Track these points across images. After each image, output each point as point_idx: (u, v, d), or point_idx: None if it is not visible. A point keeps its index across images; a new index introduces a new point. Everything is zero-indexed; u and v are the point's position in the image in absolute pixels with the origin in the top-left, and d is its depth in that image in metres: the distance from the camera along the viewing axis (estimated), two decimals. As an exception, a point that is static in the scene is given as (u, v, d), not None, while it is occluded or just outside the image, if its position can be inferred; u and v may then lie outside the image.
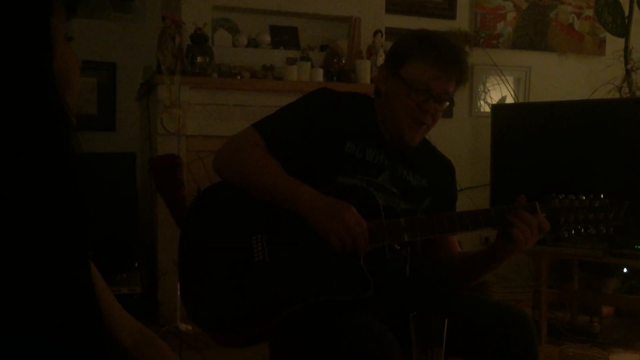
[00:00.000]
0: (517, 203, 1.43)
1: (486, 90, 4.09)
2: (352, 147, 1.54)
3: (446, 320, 1.16)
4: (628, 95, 3.60)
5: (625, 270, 3.39)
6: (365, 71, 3.41)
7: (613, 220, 1.43)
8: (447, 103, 1.53)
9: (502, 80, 4.03)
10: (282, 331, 1.43)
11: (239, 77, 3.20)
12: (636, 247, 3.07)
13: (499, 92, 4.11)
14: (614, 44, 3.92)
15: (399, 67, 1.51)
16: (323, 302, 1.37)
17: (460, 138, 3.98)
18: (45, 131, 0.62)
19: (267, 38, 3.47)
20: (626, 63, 3.65)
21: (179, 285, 1.46)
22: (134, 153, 3.42)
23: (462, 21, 3.98)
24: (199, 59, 3.00)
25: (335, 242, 1.39)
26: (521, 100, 4.07)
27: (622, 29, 3.65)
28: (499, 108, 3.60)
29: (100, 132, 3.51)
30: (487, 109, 3.65)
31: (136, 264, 3.07)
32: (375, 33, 3.50)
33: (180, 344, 2.65)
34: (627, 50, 3.64)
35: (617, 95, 3.63)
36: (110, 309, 1.13)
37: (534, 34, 4.12)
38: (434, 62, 1.48)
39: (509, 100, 4.06)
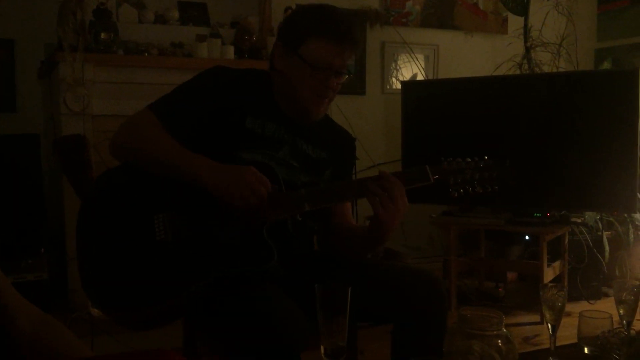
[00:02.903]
0: None
1: (397, 67, 4.17)
2: (252, 122, 1.54)
3: (349, 289, 1.20)
4: (527, 71, 3.79)
5: (527, 237, 3.59)
6: (277, 48, 3.40)
7: (497, 179, 1.52)
8: (346, 76, 1.55)
9: (412, 58, 4.13)
10: (191, 309, 1.43)
11: (146, 55, 3.11)
12: (535, 215, 3.27)
13: (410, 69, 4.20)
14: (515, 23, 4.09)
15: (298, 46, 1.51)
16: (230, 277, 1.37)
17: (373, 115, 4.06)
18: None
19: (176, 14, 3.38)
20: (526, 41, 3.83)
21: (78, 267, 1.42)
22: (37, 135, 3.26)
23: (372, -1, 4.03)
24: (102, 35, 2.88)
25: (239, 203, 1.38)
26: (431, 77, 4.19)
27: (522, 8, 3.82)
28: (409, 85, 3.70)
29: (-1, 112, 3.34)
30: (399, 86, 3.73)
31: (42, 250, 2.95)
32: (286, 10, 3.48)
33: (92, 330, 2.58)
34: (526, 28, 3.82)
35: (517, 72, 3.80)
36: (3, 295, 1.10)
37: (441, 13, 4.24)
38: (333, 39, 1.48)
39: (420, 77, 4.17)
